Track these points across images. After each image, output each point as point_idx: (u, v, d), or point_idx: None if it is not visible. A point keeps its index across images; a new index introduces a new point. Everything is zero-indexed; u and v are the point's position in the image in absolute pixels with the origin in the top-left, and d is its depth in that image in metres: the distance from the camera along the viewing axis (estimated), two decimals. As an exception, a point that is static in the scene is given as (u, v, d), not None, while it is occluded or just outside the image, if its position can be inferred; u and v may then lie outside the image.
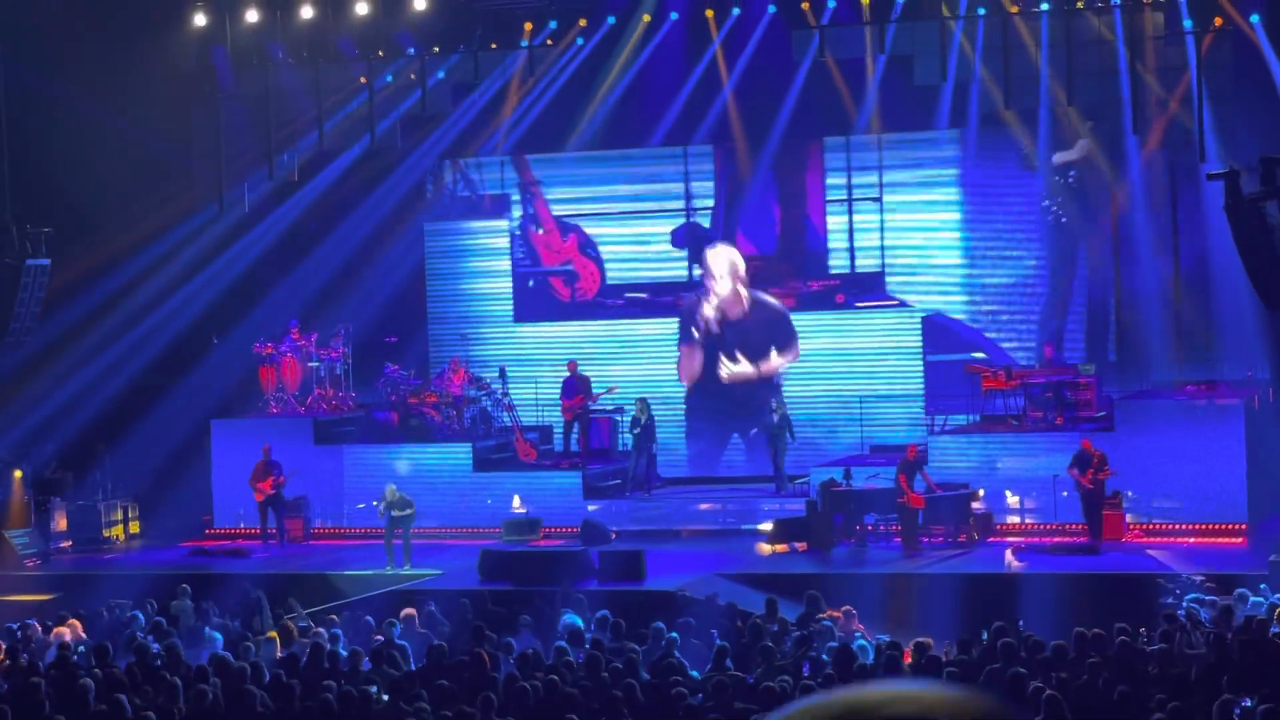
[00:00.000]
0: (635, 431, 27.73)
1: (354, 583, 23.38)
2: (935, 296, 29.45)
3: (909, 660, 16.46)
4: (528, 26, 30.08)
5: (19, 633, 19.45)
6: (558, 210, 31.39)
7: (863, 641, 17.27)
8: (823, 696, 2.44)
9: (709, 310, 30.15)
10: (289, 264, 30.94)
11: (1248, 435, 24.59)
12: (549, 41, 30.38)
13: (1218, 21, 27.03)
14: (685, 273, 30.77)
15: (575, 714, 13.39)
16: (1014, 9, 27.67)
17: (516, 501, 27.16)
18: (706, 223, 30.69)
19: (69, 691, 14.85)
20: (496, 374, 29.46)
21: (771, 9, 29.01)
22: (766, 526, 25.34)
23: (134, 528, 28.96)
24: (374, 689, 14.96)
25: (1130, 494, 24.37)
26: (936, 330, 29.21)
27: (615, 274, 31.09)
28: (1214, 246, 26.89)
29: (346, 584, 23.52)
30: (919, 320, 29.31)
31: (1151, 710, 13.18)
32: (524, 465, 28.17)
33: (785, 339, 29.95)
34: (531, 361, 30.54)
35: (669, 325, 30.60)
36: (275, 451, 27.09)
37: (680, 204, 30.75)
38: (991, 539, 24.53)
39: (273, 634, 18.88)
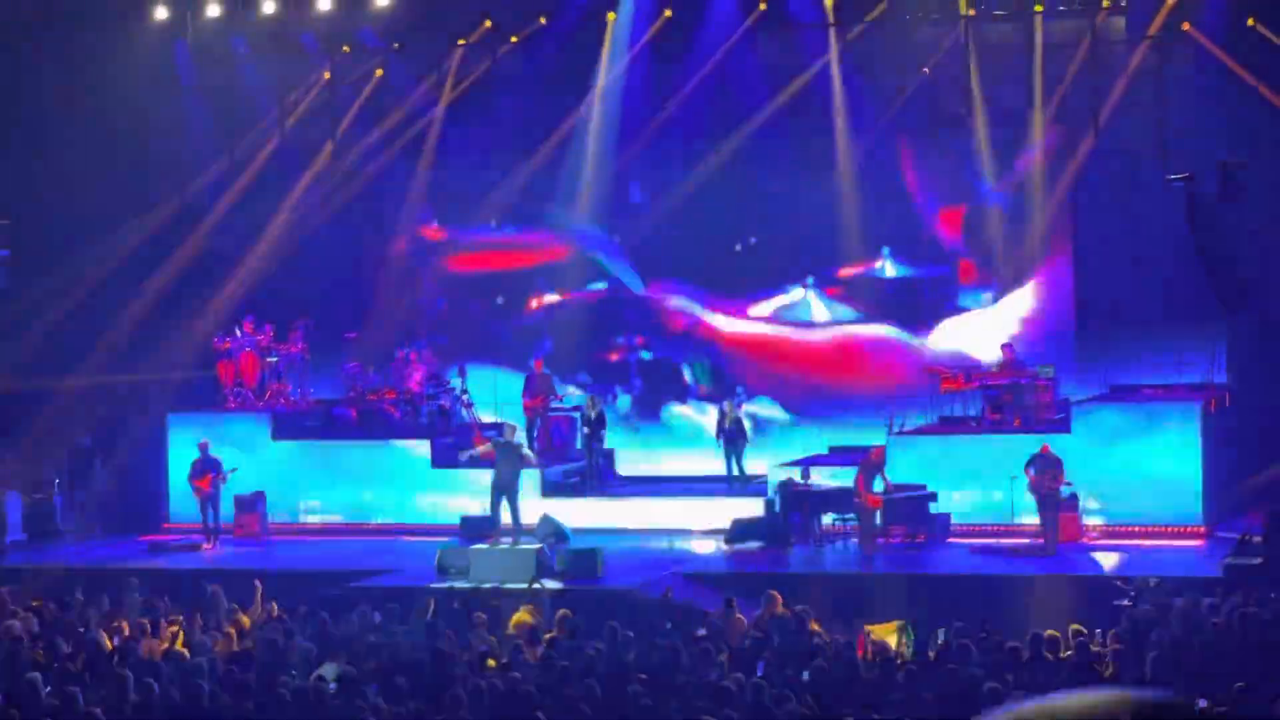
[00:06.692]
0: (584, 429, 27.76)
1: (310, 579, 23.24)
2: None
3: (862, 654, 16.56)
4: (487, 24, 29.96)
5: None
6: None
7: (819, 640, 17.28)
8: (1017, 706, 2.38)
9: None
10: (249, 259, 30.74)
11: (1204, 439, 24.65)
12: (513, 39, 30.21)
13: (1185, 26, 27.14)
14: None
15: (531, 712, 13.34)
16: (971, 12, 27.82)
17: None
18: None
19: (18, 685, 14.73)
20: (456, 372, 29.40)
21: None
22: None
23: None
24: (331, 685, 14.89)
25: (1087, 497, 24.42)
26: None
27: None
28: (1172, 250, 26.95)
29: (303, 580, 23.38)
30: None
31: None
32: (481, 463, 28.02)
33: None
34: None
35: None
36: (234, 446, 27.02)
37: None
38: (949, 540, 24.57)
39: (229, 628, 18.81)
